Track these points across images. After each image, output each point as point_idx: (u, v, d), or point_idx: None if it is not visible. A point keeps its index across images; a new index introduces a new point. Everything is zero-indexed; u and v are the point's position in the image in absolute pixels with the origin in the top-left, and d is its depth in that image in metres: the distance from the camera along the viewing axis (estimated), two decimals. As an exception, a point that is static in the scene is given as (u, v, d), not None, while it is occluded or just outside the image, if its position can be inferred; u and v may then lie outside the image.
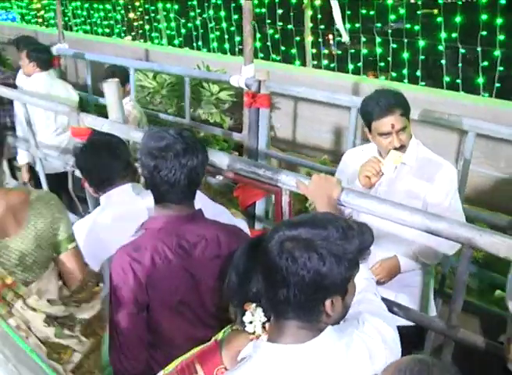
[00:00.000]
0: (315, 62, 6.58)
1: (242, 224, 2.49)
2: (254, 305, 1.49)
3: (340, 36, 5.98)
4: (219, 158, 2.43)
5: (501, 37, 5.22)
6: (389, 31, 5.90)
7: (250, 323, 1.50)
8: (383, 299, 1.79)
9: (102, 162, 2.38)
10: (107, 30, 9.64)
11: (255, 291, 1.47)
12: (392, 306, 2.31)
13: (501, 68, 5.28)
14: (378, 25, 6.16)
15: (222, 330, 1.69)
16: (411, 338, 2.70)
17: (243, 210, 4.49)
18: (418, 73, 5.81)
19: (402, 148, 2.47)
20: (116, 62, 5.14)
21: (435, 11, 5.68)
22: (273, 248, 1.32)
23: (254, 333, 1.49)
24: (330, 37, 6.84)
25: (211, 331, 1.75)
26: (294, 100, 6.18)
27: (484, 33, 5.34)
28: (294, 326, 1.36)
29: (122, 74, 4.31)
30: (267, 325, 1.48)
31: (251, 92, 3.79)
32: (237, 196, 4.68)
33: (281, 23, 6.88)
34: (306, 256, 1.28)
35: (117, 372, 1.93)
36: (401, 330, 2.52)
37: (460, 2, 5.58)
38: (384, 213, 2.00)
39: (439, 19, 5.57)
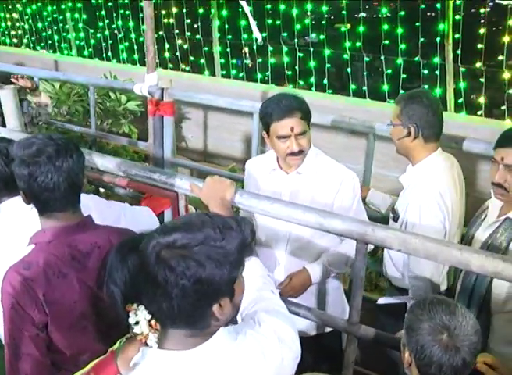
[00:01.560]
0: (224, 72, 6.60)
1: (146, 211, 2.47)
2: (135, 304, 1.42)
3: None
4: (114, 164, 2.37)
5: (402, 46, 5.40)
6: (295, 41, 6.00)
7: (137, 323, 1.42)
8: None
9: None
10: (15, 41, 9.32)
11: (133, 292, 1.40)
12: (292, 306, 2.31)
13: (404, 75, 5.46)
14: (285, 34, 6.26)
15: (119, 341, 1.63)
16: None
17: (152, 220, 4.42)
18: (325, 81, 5.92)
19: (300, 153, 2.42)
20: (21, 72, 4.94)
21: (347, 25, 5.84)
22: (150, 259, 1.25)
23: (142, 333, 1.43)
24: (246, 49, 6.88)
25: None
26: (204, 110, 6.18)
27: (386, 42, 5.53)
28: (182, 334, 1.32)
29: None
30: (153, 322, 1.40)
31: (154, 100, 3.74)
32: (145, 206, 4.61)
33: (189, 34, 6.87)
34: (183, 265, 1.22)
35: None
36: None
37: (363, 14, 5.77)
38: (278, 213, 1.99)
39: (344, 29, 5.74)
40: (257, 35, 4.66)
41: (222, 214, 1.82)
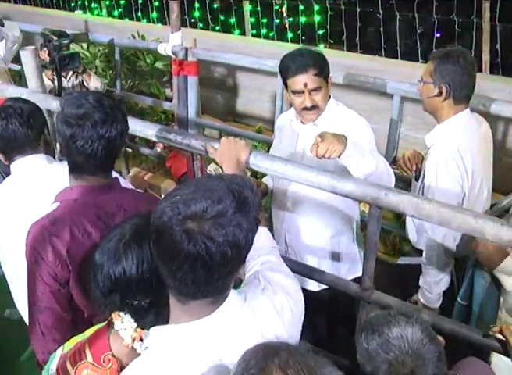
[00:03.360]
0: (255, 32, 6.49)
1: None
2: (122, 313, 1.45)
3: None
4: (131, 124, 2.35)
5: (437, 4, 5.20)
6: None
7: (125, 329, 1.45)
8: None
9: (12, 128, 2.22)
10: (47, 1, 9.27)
11: (121, 297, 1.45)
12: (305, 270, 2.30)
13: (438, 34, 5.28)
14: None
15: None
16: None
17: (177, 180, 4.45)
18: (357, 40, 5.77)
19: (314, 108, 2.46)
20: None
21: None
22: (179, 237, 1.16)
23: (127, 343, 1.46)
24: (283, 9, 6.75)
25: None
26: (233, 70, 6.10)
27: (420, 0, 5.33)
28: (204, 304, 1.29)
29: None
30: (139, 330, 1.44)
31: (178, 60, 3.70)
32: (169, 166, 4.64)
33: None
34: (223, 232, 1.17)
35: (41, 357, 1.82)
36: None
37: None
38: (291, 175, 1.96)
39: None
40: None
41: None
